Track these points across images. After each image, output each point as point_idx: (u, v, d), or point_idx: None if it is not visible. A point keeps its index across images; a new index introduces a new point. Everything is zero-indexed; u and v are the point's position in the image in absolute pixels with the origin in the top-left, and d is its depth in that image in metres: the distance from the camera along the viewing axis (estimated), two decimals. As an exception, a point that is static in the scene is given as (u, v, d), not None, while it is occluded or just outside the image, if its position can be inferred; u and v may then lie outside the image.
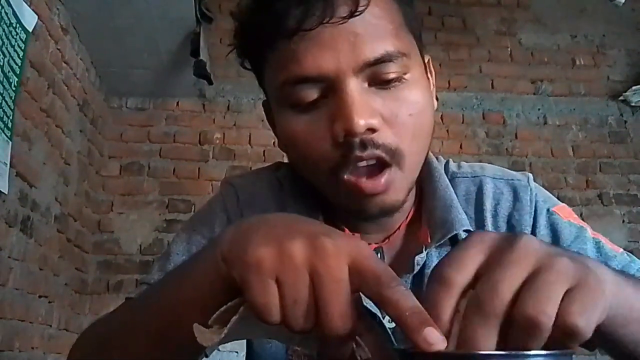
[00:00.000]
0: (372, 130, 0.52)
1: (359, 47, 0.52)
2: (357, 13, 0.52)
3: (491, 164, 0.74)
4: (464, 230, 0.60)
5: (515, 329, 0.32)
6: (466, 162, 0.74)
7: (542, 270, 0.33)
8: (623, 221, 3.00)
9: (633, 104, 3.19)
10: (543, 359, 0.31)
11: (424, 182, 0.65)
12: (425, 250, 0.60)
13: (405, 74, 0.54)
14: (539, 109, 3.18)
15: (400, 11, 0.57)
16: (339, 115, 0.52)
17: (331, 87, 0.53)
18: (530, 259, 0.34)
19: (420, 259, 0.59)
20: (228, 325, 0.36)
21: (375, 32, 0.53)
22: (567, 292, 0.32)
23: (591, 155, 3.11)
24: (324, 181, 0.57)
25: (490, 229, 0.64)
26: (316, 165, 0.56)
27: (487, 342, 0.32)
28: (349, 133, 0.51)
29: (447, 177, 0.67)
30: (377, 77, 0.53)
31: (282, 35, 0.53)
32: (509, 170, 0.70)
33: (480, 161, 2.96)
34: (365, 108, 0.52)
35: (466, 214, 0.63)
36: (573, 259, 0.34)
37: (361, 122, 0.51)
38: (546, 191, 0.69)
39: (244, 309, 0.36)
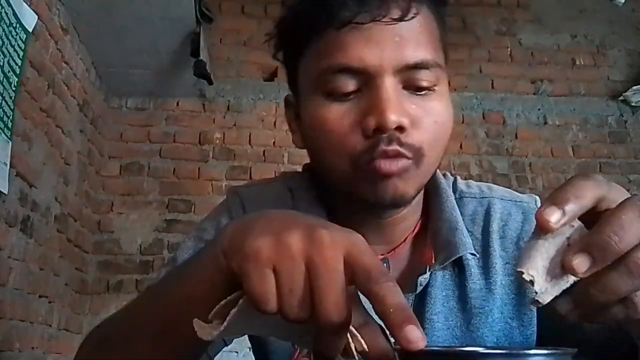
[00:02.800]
0: (401, 128, 0.54)
1: (403, 49, 0.55)
2: (407, 18, 0.55)
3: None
4: (470, 254, 0.62)
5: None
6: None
7: None
8: (623, 221, 3.00)
9: (633, 104, 3.19)
10: (543, 359, 0.31)
11: (431, 201, 0.66)
12: (429, 270, 0.61)
13: (436, 85, 0.57)
14: (539, 109, 3.18)
15: (438, 28, 0.60)
16: (373, 109, 0.54)
17: (369, 82, 0.55)
18: None
19: (423, 279, 0.61)
20: (227, 319, 0.37)
21: (419, 39, 0.56)
22: None
23: (591, 155, 3.11)
24: (342, 169, 0.58)
25: (497, 251, 0.64)
26: (339, 153, 0.57)
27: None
28: (381, 127, 0.53)
29: (455, 195, 0.68)
30: (412, 81, 0.56)
31: (334, 26, 0.55)
32: (517, 193, 0.71)
33: (480, 161, 2.99)
34: (399, 106, 0.54)
35: (472, 235, 0.64)
36: None
37: (393, 117, 0.53)
38: None
39: (242, 301, 0.37)
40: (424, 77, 0.56)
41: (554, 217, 0.34)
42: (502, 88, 3.18)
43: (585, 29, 3.35)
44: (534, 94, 3.21)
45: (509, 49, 3.27)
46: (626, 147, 3.15)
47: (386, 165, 0.55)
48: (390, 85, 0.55)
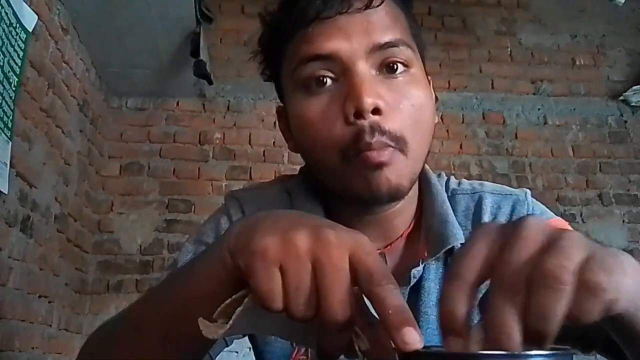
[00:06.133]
0: (378, 111, 0.55)
1: (371, 31, 0.57)
2: (372, 7, 0.58)
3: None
4: (461, 244, 0.62)
5: (536, 290, 0.31)
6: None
7: (557, 239, 0.33)
8: (623, 221, 3.00)
9: (633, 104, 3.19)
10: (543, 359, 0.31)
11: (424, 198, 0.68)
12: (422, 263, 0.62)
13: (409, 67, 0.59)
14: (539, 109, 3.18)
15: (406, 19, 0.62)
16: (350, 94, 0.55)
17: (343, 69, 0.57)
18: (541, 233, 0.34)
19: (416, 272, 0.62)
20: (233, 317, 0.37)
21: (386, 23, 0.59)
22: (587, 258, 0.32)
23: (591, 155, 3.11)
24: (333, 164, 0.58)
25: None
26: (326, 145, 0.58)
27: (511, 315, 0.31)
28: (358, 110, 0.55)
29: (448, 193, 0.69)
30: (384, 63, 0.58)
31: (302, 25, 0.58)
32: (507, 187, 0.72)
33: (480, 161, 2.99)
34: (373, 89, 0.55)
35: (465, 229, 0.66)
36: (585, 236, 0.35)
37: (369, 100, 0.54)
38: (543, 205, 0.71)
39: (248, 300, 0.37)
40: (396, 56, 0.58)
41: (455, 346, 0.33)
42: (502, 88, 3.18)
43: (585, 29, 3.35)
44: (534, 94, 3.21)
45: (509, 49, 3.27)
46: (626, 147, 3.15)
47: (373, 155, 0.55)
48: (363, 69, 0.56)
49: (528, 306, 0.31)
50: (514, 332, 0.31)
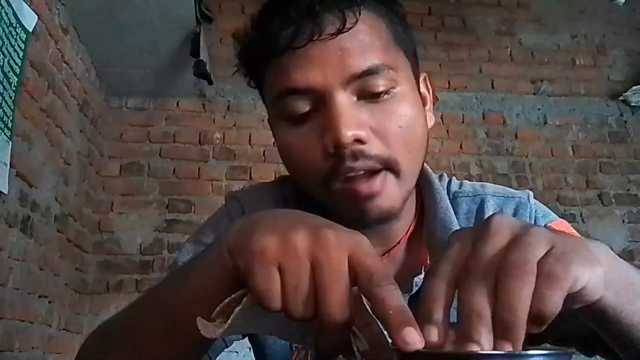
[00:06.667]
0: (360, 141, 0.53)
1: (346, 60, 0.54)
2: (345, 30, 0.54)
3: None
4: None
5: (503, 280, 0.33)
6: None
7: (522, 234, 0.35)
8: (623, 221, 3.00)
9: (633, 104, 3.19)
10: (543, 359, 0.31)
11: (425, 201, 0.67)
12: (424, 271, 0.61)
13: (393, 87, 0.56)
14: (539, 109, 3.18)
15: (389, 29, 0.59)
16: (328, 127, 0.54)
17: (321, 100, 0.55)
18: (506, 230, 0.36)
19: (419, 280, 0.61)
20: (231, 317, 0.37)
21: (363, 47, 0.55)
22: (547, 251, 0.34)
23: (591, 155, 3.11)
24: (318, 190, 0.58)
25: None
26: (309, 175, 0.57)
27: (481, 302, 0.33)
28: (337, 144, 0.53)
29: (449, 196, 0.68)
30: (365, 90, 0.55)
31: (275, 54, 0.56)
32: (510, 189, 0.71)
33: (480, 161, 2.99)
34: (352, 120, 0.53)
35: None
36: (552, 229, 0.37)
37: (348, 133, 0.52)
38: (546, 207, 0.70)
39: (247, 299, 0.37)
40: (377, 83, 0.55)
41: (433, 336, 0.34)
42: (502, 88, 3.18)
43: (585, 29, 3.35)
44: (534, 94, 3.21)
45: (509, 49, 3.27)
46: (626, 147, 3.15)
47: (364, 187, 0.54)
48: (341, 100, 0.54)
49: (497, 296, 0.33)
50: (486, 317, 0.33)
